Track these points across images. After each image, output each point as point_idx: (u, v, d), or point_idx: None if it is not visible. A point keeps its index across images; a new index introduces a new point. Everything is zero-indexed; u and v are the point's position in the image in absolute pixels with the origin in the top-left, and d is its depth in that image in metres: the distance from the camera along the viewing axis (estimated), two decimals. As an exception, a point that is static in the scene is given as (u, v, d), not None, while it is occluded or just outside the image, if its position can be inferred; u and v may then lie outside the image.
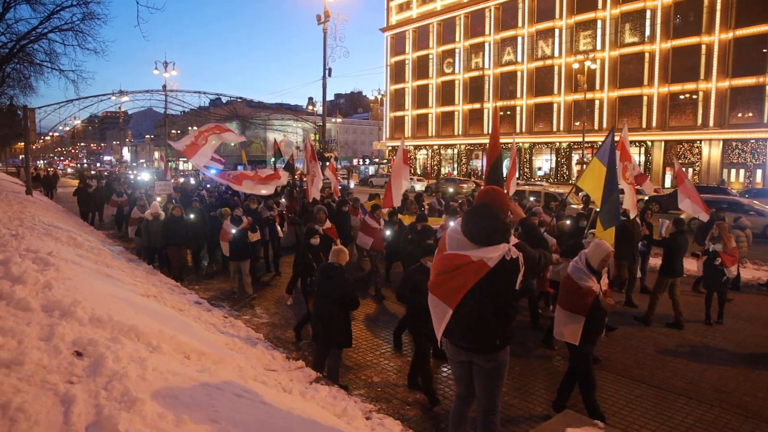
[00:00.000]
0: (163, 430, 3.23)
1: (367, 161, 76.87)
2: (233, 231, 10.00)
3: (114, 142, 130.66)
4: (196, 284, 11.13)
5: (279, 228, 12.48)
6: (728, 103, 37.78)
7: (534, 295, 8.46)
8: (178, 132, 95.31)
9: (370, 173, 64.02)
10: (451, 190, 31.91)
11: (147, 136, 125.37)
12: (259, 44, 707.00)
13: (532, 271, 3.76)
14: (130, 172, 51.93)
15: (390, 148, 68.19)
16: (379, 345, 7.54)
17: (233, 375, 4.78)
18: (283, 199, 15.05)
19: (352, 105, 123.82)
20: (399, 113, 65.20)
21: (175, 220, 11.08)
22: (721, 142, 38.25)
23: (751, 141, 36.68)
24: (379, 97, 72.31)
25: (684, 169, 12.14)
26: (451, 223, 3.97)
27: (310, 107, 71.47)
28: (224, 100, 34.62)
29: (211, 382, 4.24)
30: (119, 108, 55.08)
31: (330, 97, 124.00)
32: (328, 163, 19.24)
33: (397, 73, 64.34)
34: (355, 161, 77.62)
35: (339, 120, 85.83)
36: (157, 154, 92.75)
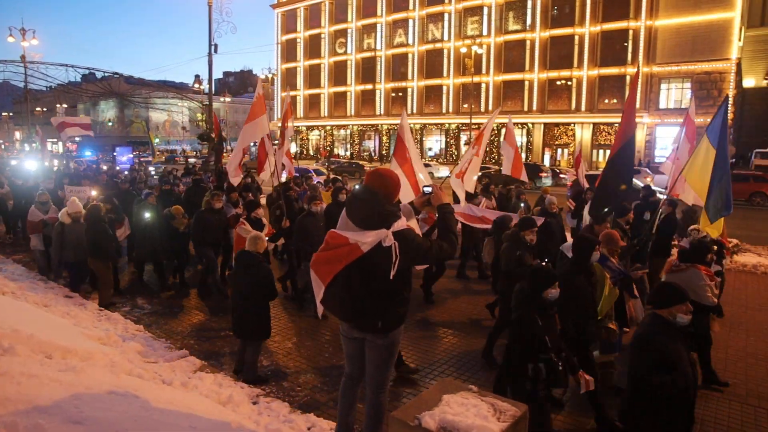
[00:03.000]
0: (14, 439, 2.89)
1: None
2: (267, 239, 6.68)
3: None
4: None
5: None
6: (597, 90, 41.55)
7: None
8: (44, 110, 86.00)
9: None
10: None
11: (5, 114, 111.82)
12: (138, 15, 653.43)
13: (418, 262, 3.76)
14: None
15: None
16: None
17: (104, 371, 4.43)
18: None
19: (242, 84, 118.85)
20: (291, 93, 63.78)
21: (100, 223, 8.13)
22: (591, 126, 42.06)
23: (615, 125, 40.55)
24: (270, 76, 70.08)
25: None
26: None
27: (197, 85, 67.50)
28: (99, 75, 31.34)
29: (76, 382, 3.88)
30: (-33, 80, 48.17)
31: (218, 75, 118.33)
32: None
33: (288, 51, 62.68)
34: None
35: (228, 99, 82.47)
36: (18, 134, 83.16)
